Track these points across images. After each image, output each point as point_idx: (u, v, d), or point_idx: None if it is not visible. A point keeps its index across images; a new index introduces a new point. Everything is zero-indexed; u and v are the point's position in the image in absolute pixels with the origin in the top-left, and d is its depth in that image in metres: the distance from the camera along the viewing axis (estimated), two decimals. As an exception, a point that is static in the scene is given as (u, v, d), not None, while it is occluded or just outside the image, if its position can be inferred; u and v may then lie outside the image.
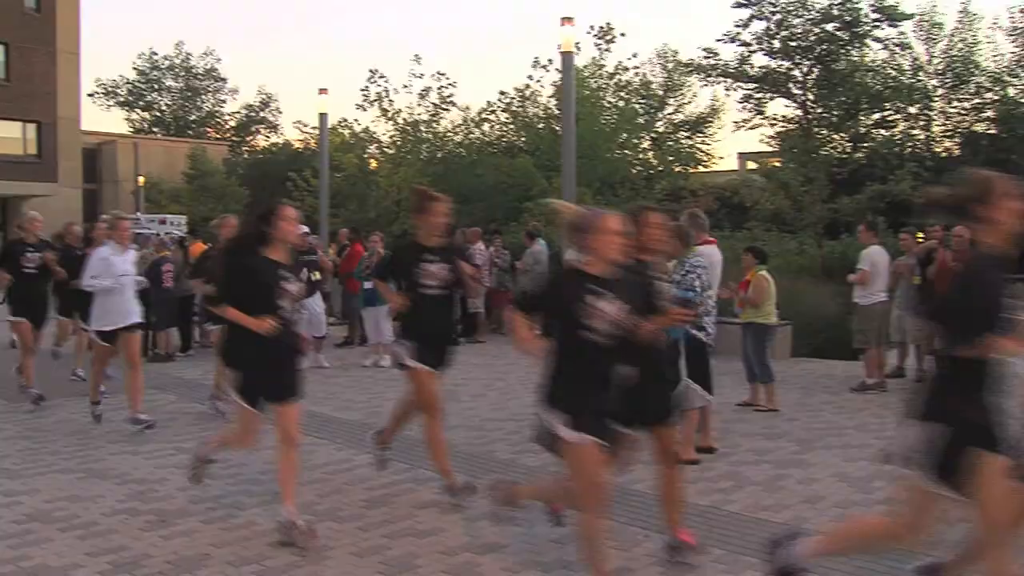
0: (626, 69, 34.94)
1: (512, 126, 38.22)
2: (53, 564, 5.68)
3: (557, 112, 32.28)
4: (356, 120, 46.09)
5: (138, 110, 71.77)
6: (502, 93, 37.87)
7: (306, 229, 14.88)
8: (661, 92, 47.07)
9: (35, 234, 11.27)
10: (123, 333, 9.66)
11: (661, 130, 45.13)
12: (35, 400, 10.92)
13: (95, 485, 7.46)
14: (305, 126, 55.16)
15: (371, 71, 37.11)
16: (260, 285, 5.99)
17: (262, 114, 72.24)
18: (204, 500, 7.00)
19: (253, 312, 5.96)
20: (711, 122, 48.78)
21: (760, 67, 34.13)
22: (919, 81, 34.18)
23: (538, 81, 35.00)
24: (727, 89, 35.41)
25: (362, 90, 36.35)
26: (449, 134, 38.02)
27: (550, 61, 33.63)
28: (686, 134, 47.71)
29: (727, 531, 6.27)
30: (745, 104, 34.90)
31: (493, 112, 38.55)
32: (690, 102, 49.11)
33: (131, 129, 69.76)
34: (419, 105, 36.69)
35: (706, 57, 35.08)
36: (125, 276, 9.66)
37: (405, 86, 36.73)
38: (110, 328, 9.65)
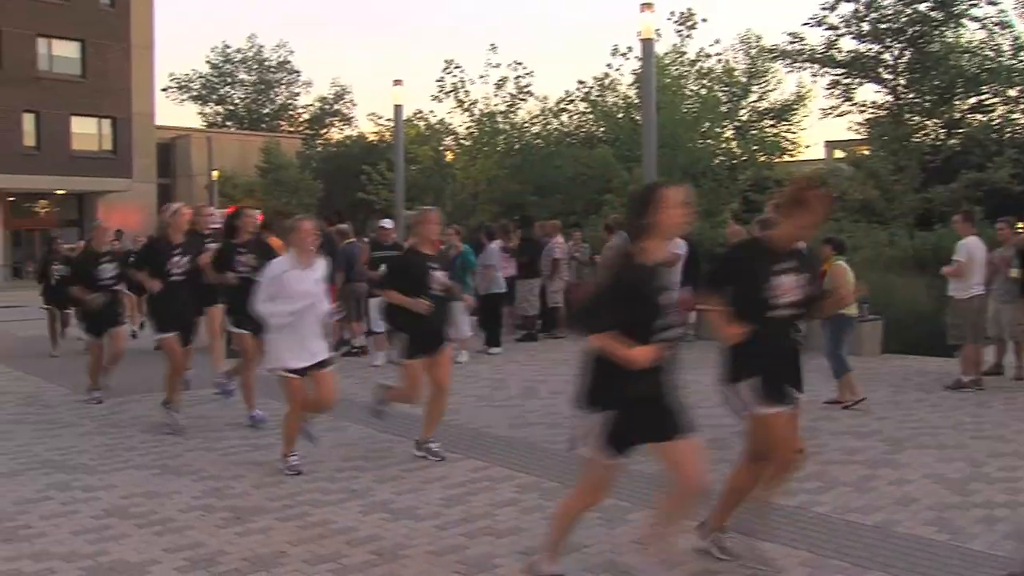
0: (708, 56, 34.72)
1: (591, 116, 38.21)
2: (131, 560, 5.81)
3: (637, 101, 32.16)
4: (431, 112, 46.79)
5: (211, 104, 73.07)
6: (581, 82, 37.94)
7: (389, 222, 15.03)
8: (744, 79, 46.60)
9: (181, 233, 9.93)
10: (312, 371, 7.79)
11: (744, 118, 44.71)
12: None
13: (171, 481, 7.62)
14: (380, 118, 55.62)
15: (446, 61, 37.54)
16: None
17: (336, 107, 73.06)
18: (280, 497, 7.11)
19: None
20: (796, 110, 48.22)
21: (848, 51, 33.66)
22: (1020, 62, 33.31)
23: (617, 69, 35.01)
24: (813, 75, 35.08)
25: (437, 81, 36.64)
26: (526, 125, 38.14)
27: (629, 49, 33.58)
28: (770, 122, 47.21)
29: (815, 534, 6.18)
30: (832, 90, 34.49)
31: (571, 102, 38.59)
32: (775, 89, 48.66)
33: (205, 123, 71.05)
34: (496, 95, 36.91)
35: (791, 42, 34.77)
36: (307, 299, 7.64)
37: (481, 76, 37.18)
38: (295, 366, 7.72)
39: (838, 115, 34.91)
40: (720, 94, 37.32)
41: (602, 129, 37.06)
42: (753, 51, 49.12)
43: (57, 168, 40.12)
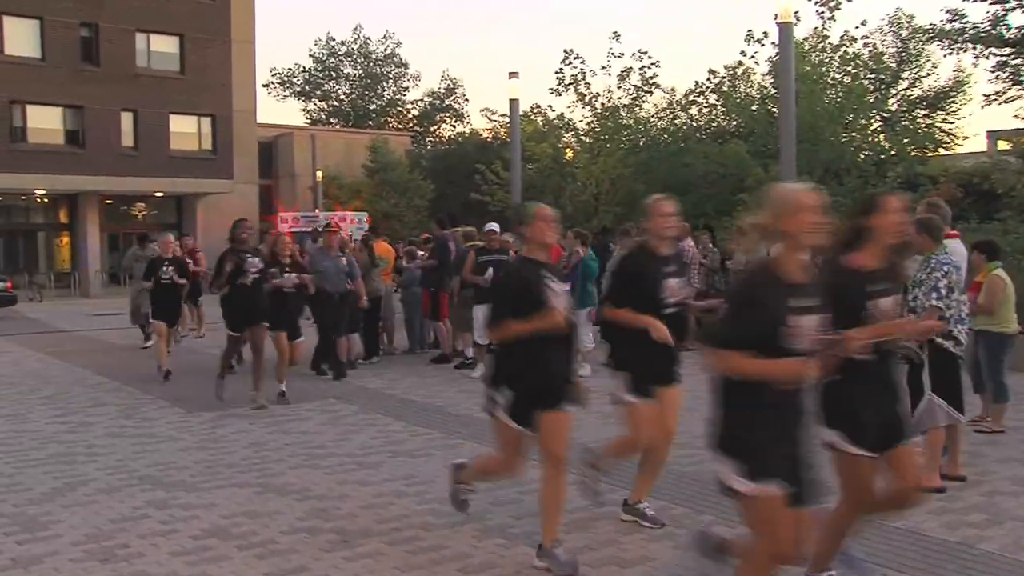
0: (853, 40, 33.92)
1: (723, 109, 37.81)
2: (232, 584, 5.91)
3: (774, 91, 31.69)
4: (550, 106, 46.67)
5: (315, 100, 74.15)
6: (711, 72, 37.56)
7: (496, 227, 15.07)
8: (894, 64, 45.51)
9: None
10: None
11: (894, 108, 43.65)
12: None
13: (273, 500, 7.74)
14: (494, 114, 56.23)
15: (566, 52, 37.40)
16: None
17: (447, 102, 73.51)
18: (388, 520, 7.15)
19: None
20: (955, 97, 46.92)
21: (1017, 28, 32.57)
22: None
23: (752, 57, 34.49)
24: (976, 57, 33.89)
25: (556, 73, 36.66)
26: (652, 119, 37.93)
27: (765, 34, 33.11)
28: (924, 112, 46.02)
29: (982, 574, 5.96)
30: (998, 73, 33.34)
31: (701, 93, 38.25)
32: (929, 75, 47.42)
33: (308, 120, 72.17)
34: (619, 88, 36.77)
35: (950, 20, 33.67)
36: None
37: (603, 67, 36.89)
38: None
39: (1004, 101, 33.63)
40: (867, 82, 36.50)
41: (735, 123, 36.65)
42: (904, 33, 48.02)
43: (155, 169, 41.10)
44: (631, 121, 36.98)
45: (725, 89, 36.85)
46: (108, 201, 42.77)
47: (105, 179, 40.04)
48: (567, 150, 38.92)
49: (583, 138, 38.17)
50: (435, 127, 73.26)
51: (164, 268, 14.91)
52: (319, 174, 47.73)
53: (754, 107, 35.19)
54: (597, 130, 37.05)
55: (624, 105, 36.76)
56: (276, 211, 44.39)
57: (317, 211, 42.34)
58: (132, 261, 20.32)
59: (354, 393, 13.07)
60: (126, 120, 40.95)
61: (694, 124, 38.77)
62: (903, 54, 47.13)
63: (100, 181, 39.99)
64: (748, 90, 36.15)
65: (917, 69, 47.19)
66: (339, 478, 8.47)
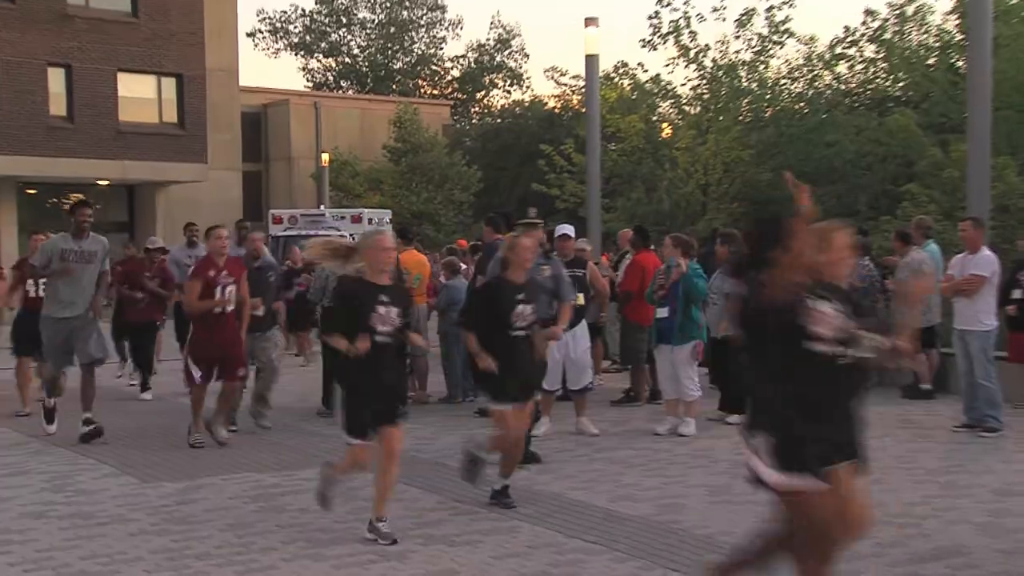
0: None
1: (884, 65, 37.58)
2: None
3: (959, 37, 31.44)
4: (640, 65, 46.27)
5: (319, 56, 74.28)
6: (868, 14, 37.35)
7: (569, 230, 15.01)
8: None
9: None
10: None
11: None
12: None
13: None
14: (563, 75, 56.16)
15: (663, -10, 37.38)
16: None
17: (499, 59, 73.37)
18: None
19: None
20: None
21: None
22: None
23: (928, -12, 34.29)
24: None
25: (650, 18, 36.76)
26: (783, 82, 37.76)
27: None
28: None
29: None
30: None
31: (854, 44, 38.06)
32: None
33: (309, 83, 72.55)
34: (737, 38, 36.76)
35: None
36: None
37: (715, 10, 36.86)
38: None
39: None
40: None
41: (901, 84, 36.43)
42: None
43: (97, 148, 40.80)
44: (753, 85, 36.87)
45: (888, 37, 36.65)
46: (30, 191, 42.43)
47: (27, 161, 39.32)
48: (664, 125, 38.86)
49: (686, 108, 38.14)
50: (483, 94, 73.11)
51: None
52: (325, 157, 47.73)
53: (929, 61, 34.95)
54: (706, 97, 37.05)
55: (744, 63, 36.70)
56: (267, 208, 44.48)
57: (322, 207, 42.32)
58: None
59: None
60: (55, 78, 40.49)
61: (842, 88, 38.58)
62: None
63: (19, 163, 39.20)
64: (922, 37, 35.95)
65: None
66: (351, 574, 8.47)
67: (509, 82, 73.10)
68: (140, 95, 42.18)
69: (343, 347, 9.15)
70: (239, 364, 13.86)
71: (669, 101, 39.32)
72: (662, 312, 14.21)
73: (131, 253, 20.04)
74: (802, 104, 37.17)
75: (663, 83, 39.09)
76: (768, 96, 37.08)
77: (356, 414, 9.31)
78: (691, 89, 37.80)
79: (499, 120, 61.34)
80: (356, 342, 9.09)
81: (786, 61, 37.51)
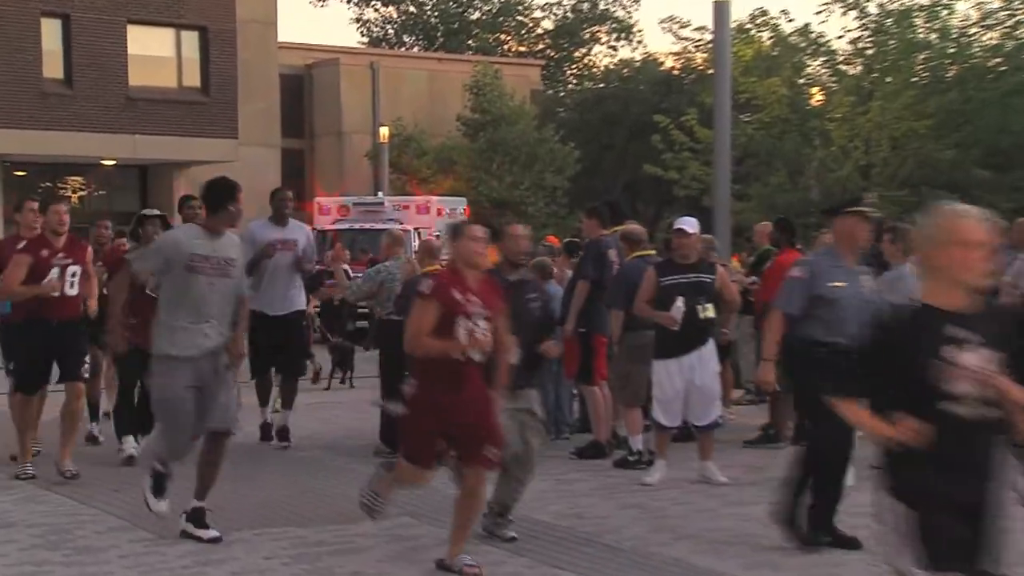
0: None
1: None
2: None
3: None
4: (784, 13, 45.35)
5: (376, 4, 74.42)
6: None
7: (691, 224, 14.51)
8: None
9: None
10: None
11: None
12: None
13: None
14: (684, 27, 55.72)
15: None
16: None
17: (602, 5, 73.32)
18: None
19: None
20: None
21: None
22: None
23: None
24: None
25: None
26: (973, 30, 37.19)
27: None
28: None
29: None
30: None
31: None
32: None
33: (365, 40, 72.80)
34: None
35: None
36: None
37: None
38: None
39: None
40: None
41: None
42: None
43: (102, 119, 41.12)
44: (932, 36, 36.31)
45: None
46: (19, 172, 43.05)
47: (14, 135, 39.54)
48: (814, 90, 38.50)
49: (843, 68, 37.72)
50: (582, 52, 73.15)
51: None
52: (384, 131, 47.69)
53: None
54: (870, 53, 36.58)
55: (921, 7, 36.13)
56: (313, 194, 44.45)
57: (380, 195, 42.03)
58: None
59: (443, 506, 12.58)
60: (50, 32, 40.81)
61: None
62: None
63: (5, 138, 39.47)
64: None
65: None
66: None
67: (615, 36, 73.27)
68: (155, 53, 42.56)
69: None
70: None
71: (821, 59, 39.06)
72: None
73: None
74: (998, 60, 36.57)
75: (813, 36, 38.74)
76: (952, 50, 36.54)
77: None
78: (850, 43, 37.48)
79: (602, 85, 61.41)
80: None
81: (978, 3, 36.90)
